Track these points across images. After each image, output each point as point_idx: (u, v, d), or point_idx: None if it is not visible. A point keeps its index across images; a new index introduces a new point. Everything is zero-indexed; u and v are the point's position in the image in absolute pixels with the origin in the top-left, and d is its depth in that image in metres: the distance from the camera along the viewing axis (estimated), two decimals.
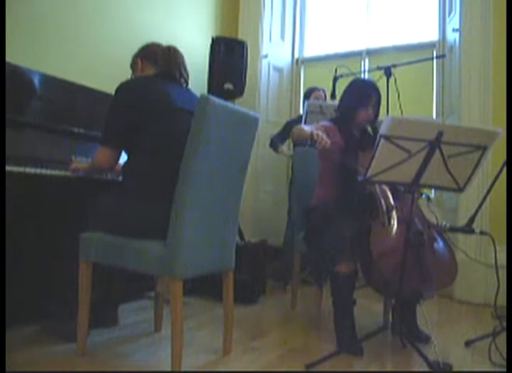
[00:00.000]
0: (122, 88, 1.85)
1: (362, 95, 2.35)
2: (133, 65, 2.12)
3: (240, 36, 4.13)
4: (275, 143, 3.70)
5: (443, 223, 2.12)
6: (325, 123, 2.42)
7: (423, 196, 2.22)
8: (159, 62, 1.96)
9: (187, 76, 2.00)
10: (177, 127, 1.78)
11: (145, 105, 1.79)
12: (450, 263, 2.07)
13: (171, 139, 1.78)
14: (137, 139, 1.80)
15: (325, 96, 3.61)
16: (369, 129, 2.43)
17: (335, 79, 3.12)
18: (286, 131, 3.65)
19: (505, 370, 1.87)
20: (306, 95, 3.66)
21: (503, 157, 2.17)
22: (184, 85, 1.98)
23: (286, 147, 3.82)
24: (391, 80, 2.79)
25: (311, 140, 2.09)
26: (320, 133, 2.09)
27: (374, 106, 2.37)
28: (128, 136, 1.80)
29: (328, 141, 2.07)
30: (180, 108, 1.85)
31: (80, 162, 2.14)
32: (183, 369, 1.68)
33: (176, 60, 1.95)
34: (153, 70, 2.00)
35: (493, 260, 2.09)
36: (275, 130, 3.79)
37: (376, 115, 2.41)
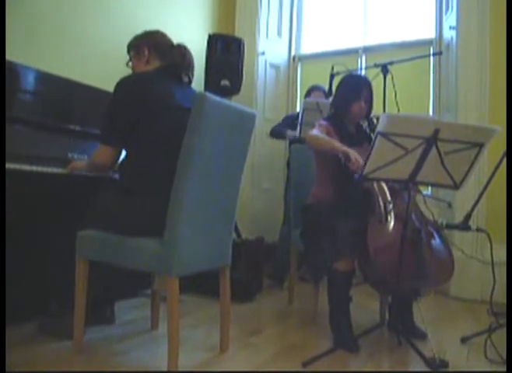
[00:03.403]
0: (122, 84, 1.81)
1: (353, 88, 2.36)
2: (136, 51, 1.99)
3: (237, 33, 4.13)
4: (278, 131, 3.62)
5: (440, 220, 2.12)
6: (322, 122, 2.41)
7: (420, 193, 2.22)
8: (169, 58, 1.93)
9: (192, 76, 1.98)
10: (176, 124, 1.76)
11: (145, 102, 1.77)
12: (447, 260, 2.08)
13: (170, 137, 1.77)
14: (135, 136, 1.79)
15: (326, 97, 3.58)
16: (366, 124, 2.43)
17: (332, 77, 3.11)
18: (287, 123, 3.62)
19: (501, 366, 1.88)
20: (307, 95, 3.65)
21: (499, 154, 2.17)
22: (187, 83, 1.97)
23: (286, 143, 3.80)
24: (388, 77, 2.79)
25: (345, 159, 2.07)
26: (356, 154, 2.04)
27: (367, 100, 2.37)
28: (127, 133, 1.79)
29: (361, 162, 1.98)
30: (179, 105, 1.83)
31: (78, 161, 2.12)
32: (180, 366, 1.67)
33: (187, 59, 1.94)
34: (158, 63, 1.95)
35: (489, 257, 2.10)
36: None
37: (370, 109, 2.41)
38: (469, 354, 2.05)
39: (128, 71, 2.05)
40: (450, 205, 2.16)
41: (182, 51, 1.94)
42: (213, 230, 1.86)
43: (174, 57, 1.93)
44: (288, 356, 1.96)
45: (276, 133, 3.65)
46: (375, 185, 2.18)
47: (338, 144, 2.15)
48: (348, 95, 2.37)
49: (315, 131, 2.32)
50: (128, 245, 1.73)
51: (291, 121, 3.57)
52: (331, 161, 2.28)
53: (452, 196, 3.21)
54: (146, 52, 1.97)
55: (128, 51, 2.05)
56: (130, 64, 2.04)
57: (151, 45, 1.97)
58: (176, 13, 3.68)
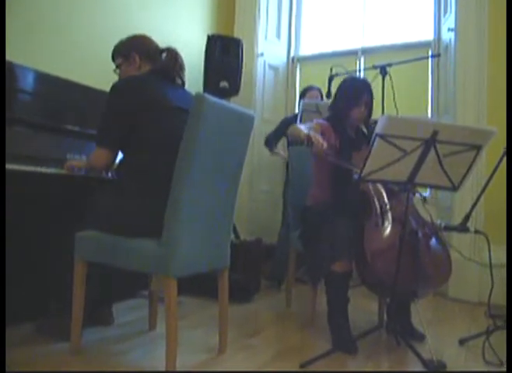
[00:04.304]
0: (116, 87, 1.81)
1: (354, 93, 2.35)
2: (125, 58, 1.97)
3: (236, 35, 4.13)
4: (270, 142, 3.68)
5: (438, 222, 2.12)
6: (321, 121, 2.41)
7: (417, 195, 2.22)
8: (159, 62, 1.94)
9: (184, 77, 1.99)
10: (174, 125, 1.77)
11: (142, 104, 1.77)
12: (444, 262, 2.08)
13: (167, 138, 1.77)
14: (133, 138, 1.79)
15: (321, 95, 3.61)
16: (364, 128, 2.43)
17: (331, 78, 3.12)
18: (282, 129, 3.64)
19: (498, 368, 1.88)
20: (302, 95, 3.66)
21: (498, 156, 2.17)
22: (180, 85, 1.97)
23: (282, 148, 3.82)
24: (387, 79, 2.80)
25: (307, 141, 2.09)
26: (317, 135, 2.09)
27: (367, 104, 2.36)
28: (125, 135, 1.79)
29: (325, 144, 2.07)
30: (176, 106, 1.83)
31: (75, 160, 2.12)
32: (177, 368, 1.67)
33: (178, 63, 1.93)
34: (149, 67, 1.95)
35: (487, 259, 2.10)
36: (271, 129, 3.78)
37: (370, 113, 2.41)
38: (467, 356, 2.05)
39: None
40: (425, 199, 2.17)
41: (173, 55, 1.94)
42: (212, 231, 1.85)
43: (166, 60, 1.93)
44: (286, 357, 1.96)
45: (269, 145, 3.71)
46: (371, 187, 2.18)
47: (303, 131, 2.17)
48: (348, 100, 2.36)
49: (299, 125, 2.33)
50: (126, 246, 1.72)
51: (289, 124, 3.58)
52: (329, 162, 2.29)
53: (450, 198, 3.21)
54: (137, 59, 1.96)
55: (113, 58, 2.03)
56: (117, 71, 2.02)
57: (141, 51, 1.96)
58: (175, 14, 3.68)
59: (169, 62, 1.93)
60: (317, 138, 2.08)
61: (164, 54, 1.96)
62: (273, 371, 1.82)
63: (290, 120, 3.59)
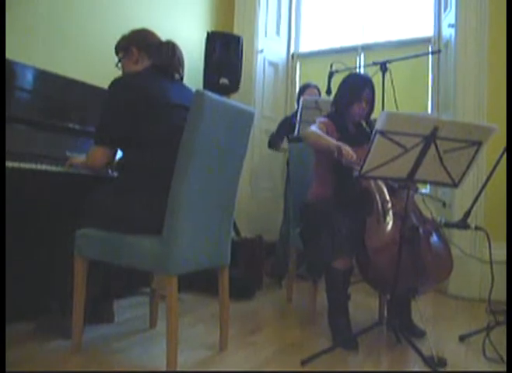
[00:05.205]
0: (116, 85, 1.80)
1: (356, 88, 2.35)
2: (125, 51, 1.98)
3: (236, 31, 4.12)
4: (275, 143, 3.68)
5: (439, 218, 2.12)
6: (323, 119, 2.41)
7: (418, 191, 2.22)
8: (159, 56, 1.92)
9: (183, 73, 1.98)
10: (174, 122, 1.77)
11: (141, 102, 1.76)
12: (445, 258, 2.08)
13: (168, 135, 1.76)
14: (133, 136, 1.78)
15: (319, 93, 3.61)
16: (365, 125, 2.42)
17: (331, 75, 3.11)
18: (283, 129, 3.63)
19: (499, 364, 1.88)
20: (300, 92, 3.66)
21: (498, 152, 2.17)
22: (179, 80, 1.96)
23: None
24: (387, 75, 2.79)
25: (338, 153, 2.09)
26: (347, 147, 2.08)
27: (368, 101, 2.36)
28: (124, 133, 1.78)
29: (354, 156, 2.06)
30: (176, 103, 1.83)
31: (76, 157, 2.12)
32: (178, 365, 1.67)
33: (176, 56, 1.92)
34: (148, 62, 1.94)
35: (488, 255, 2.10)
36: (271, 125, 3.78)
37: (371, 110, 2.41)
38: (467, 352, 2.05)
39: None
40: (444, 204, 2.16)
41: (171, 48, 1.93)
42: (212, 228, 1.85)
43: (164, 54, 1.92)
44: (287, 354, 1.96)
45: (274, 146, 3.70)
46: (372, 184, 2.18)
47: (332, 140, 2.17)
48: (349, 95, 2.36)
49: (313, 128, 2.32)
50: (127, 243, 1.72)
51: (288, 124, 3.58)
52: (331, 159, 2.28)
53: (451, 194, 3.21)
54: (135, 52, 1.96)
55: (117, 53, 2.03)
56: (119, 65, 2.02)
57: (140, 44, 1.96)
58: (174, 11, 3.67)
59: (167, 56, 1.92)
60: (347, 150, 2.07)
61: (163, 48, 1.95)
62: (273, 371, 1.82)
63: (290, 120, 3.58)
